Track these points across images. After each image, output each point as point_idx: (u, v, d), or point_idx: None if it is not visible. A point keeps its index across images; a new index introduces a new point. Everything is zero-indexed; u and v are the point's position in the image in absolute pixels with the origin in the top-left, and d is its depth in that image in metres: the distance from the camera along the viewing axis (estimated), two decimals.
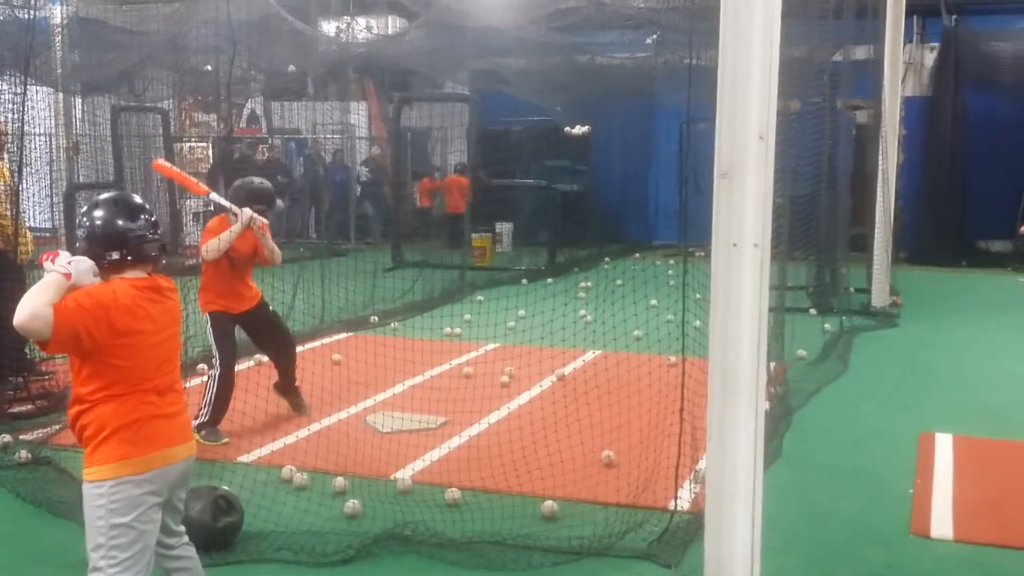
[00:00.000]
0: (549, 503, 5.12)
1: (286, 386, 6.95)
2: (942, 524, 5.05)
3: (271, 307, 7.07)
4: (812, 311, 11.23)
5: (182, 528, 3.59)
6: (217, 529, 4.59)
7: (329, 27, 15.62)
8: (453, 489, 5.32)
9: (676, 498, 5.02)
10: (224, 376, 6.39)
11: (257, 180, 6.88)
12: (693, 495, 5.08)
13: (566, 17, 12.04)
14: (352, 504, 5.16)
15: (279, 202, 9.39)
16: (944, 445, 6.38)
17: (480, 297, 12.31)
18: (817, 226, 11.89)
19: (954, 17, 17.18)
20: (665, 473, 5.12)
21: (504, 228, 17.77)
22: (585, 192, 18.14)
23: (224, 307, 6.49)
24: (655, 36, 13.91)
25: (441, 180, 18.87)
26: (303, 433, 6.55)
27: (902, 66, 17.91)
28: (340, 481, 5.50)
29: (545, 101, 16.81)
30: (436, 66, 16.81)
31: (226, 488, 4.91)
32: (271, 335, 6.87)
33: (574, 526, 4.92)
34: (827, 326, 10.30)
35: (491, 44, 14.70)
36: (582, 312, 10.82)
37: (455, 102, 17.66)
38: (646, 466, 5.44)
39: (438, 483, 5.52)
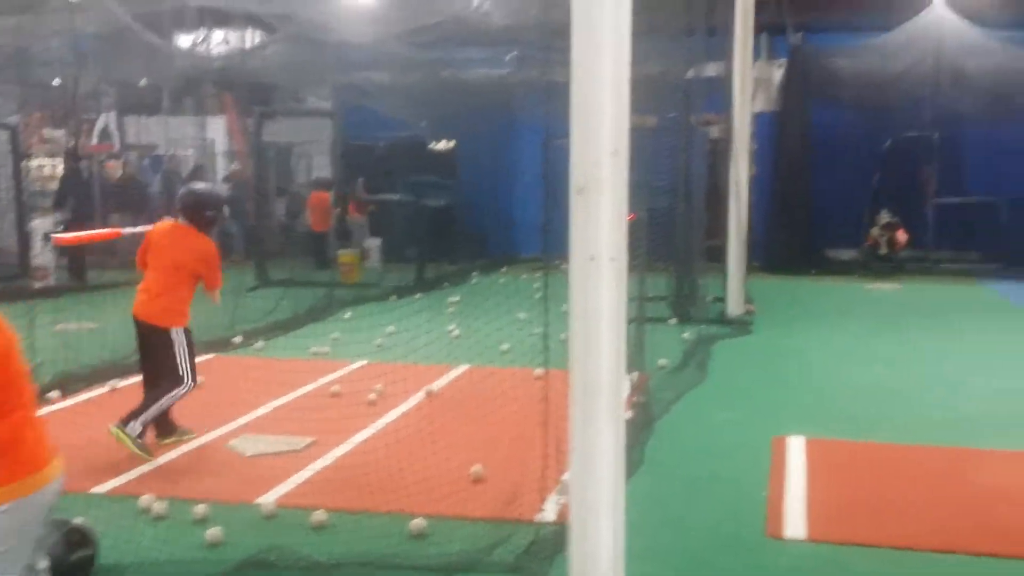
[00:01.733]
0: (417, 521, 5.10)
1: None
2: (796, 525, 5.25)
3: None
4: (672, 321, 11.56)
5: (44, 564, 3.39)
6: (70, 564, 4.39)
7: (184, 40, 15.23)
8: (319, 511, 5.24)
9: (542, 510, 5.08)
10: (187, 393, 6.44)
11: (202, 185, 6.82)
12: (559, 506, 5.15)
13: (428, 33, 12.07)
14: (214, 532, 5.02)
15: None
16: (797, 448, 6.64)
17: (348, 314, 12.19)
18: (675, 238, 12.25)
19: (800, 35, 17.99)
20: (531, 486, 5.17)
21: (372, 244, 17.66)
22: (452, 207, 18.19)
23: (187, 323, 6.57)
24: (515, 53, 14.10)
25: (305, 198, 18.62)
26: (162, 460, 6.34)
27: (752, 82, 18.66)
28: (201, 508, 5.34)
29: (410, 116, 16.81)
30: (298, 80, 16.59)
31: (80, 520, 4.71)
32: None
33: (442, 543, 4.91)
34: (686, 335, 10.61)
35: (354, 58, 14.61)
36: (451, 327, 10.84)
37: (318, 117, 17.46)
38: (513, 479, 5.49)
39: (304, 506, 5.43)
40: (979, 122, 16.93)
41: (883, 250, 17.05)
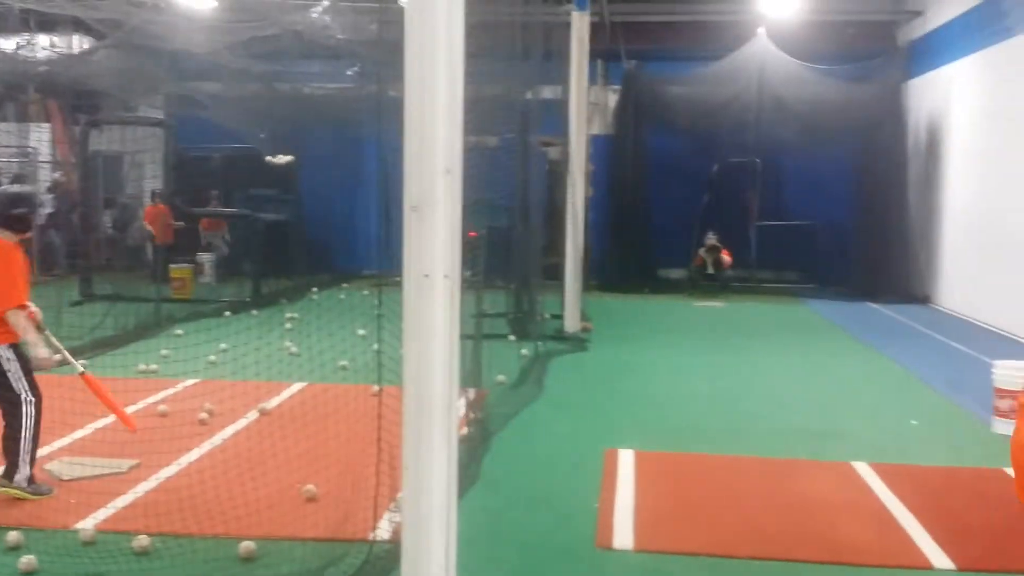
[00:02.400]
0: (246, 543, 4.97)
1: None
2: (624, 536, 5.40)
3: None
4: (511, 337, 11.70)
5: None
6: None
7: (6, 43, 14.42)
8: (142, 536, 5.04)
9: (377, 528, 5.05)
10: (39, 407, 5.85)
11: (16, 187, 6.26)
12: (394, 524, 5.13)
13: (264, 44, 11.86)
14: (28, 560, 4.76)
15: None
16: (627, 460, 6.84)
17: (179, 331, 11.79)
18: (514, 256, 12.44)
19: (634, 62, 18.62)
20: (366, 504, 5.13)
21: (206, 258, 17.14)
22: (291, 222, 17.88)
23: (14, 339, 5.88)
24: (356, 68, 14.03)
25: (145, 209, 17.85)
26: None
27: (588, 106, 19.17)
28: (14, 535, 5.06)
29: (247, 128, 16.44)
30: (128, 88, 15.96)
31: None
32: None
33: (273, 565, 4.82)
34: (524, 351, 10.76)
35: (187, 68, 14.20)
36: (287, 344, 10.65)
37: (149, 126, 16.85)
38: (347, 498, 5.43)
39: (126, 530, 5.21)
40: (797, 149, 17.93)
41: (710, 270, 17.79)
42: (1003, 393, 7.67)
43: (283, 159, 14.42)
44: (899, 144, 17.24)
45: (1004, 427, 7.67)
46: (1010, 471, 6.66)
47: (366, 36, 10.14)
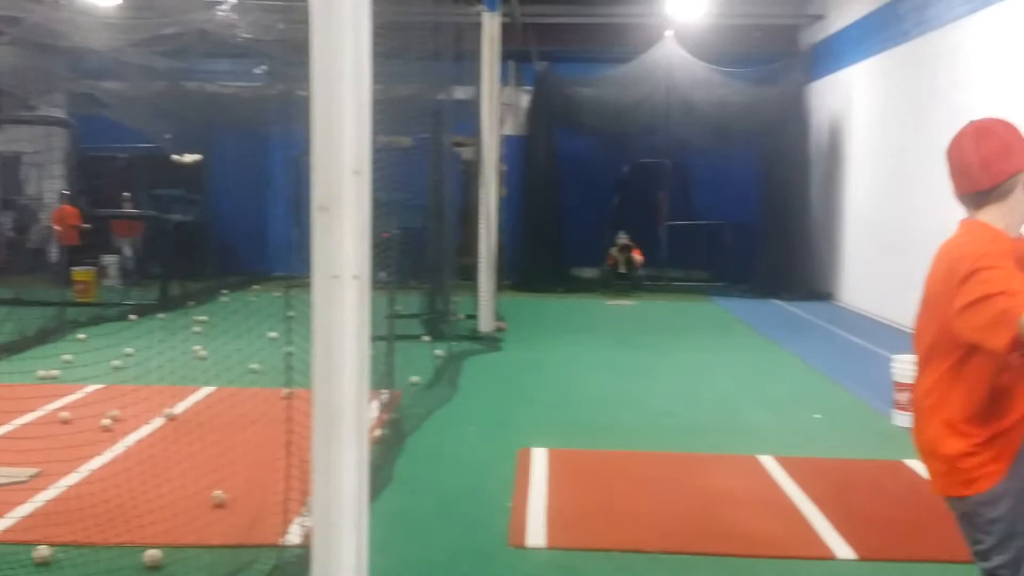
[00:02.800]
0: (152, 552, 4.86)
1: None
2: (536, 534, 5.44)
3: None
4: (425, 338, 11.69)
5: None
6: None
7: None
8: (43, 547, 4.89)
9: (287, 533, 4.99)
10: None
11: None
12: (304, 529, 5.07)
13: (169, 42, 11.59)
14: None
15: None
16: (540, 459, 6.89)
17: (82, 335, 11.47)
18: (429, 256, 12.42)
19: (545, 64, 18.75)
20: (276, 509, 5.06)
21: (111, 260, 16.70)
22: (200, 223, 17.54)
23: None
24: (265, 66, 13.84)
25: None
26: None
27: (501, 107, 19.22)
28: None
29: (152, 128, 16.07)
30: (27, 86, 15.44)
31: None
32: None
33: (179, 572, 4.73)
34: (438, 352, 10.75)
35: (89, 66, 13.80)
36: (196, 347, 10.44)
37: (50, 126, 16.34)
38: (256, 503, 5.36)
39: (26, 541, 5.05)
40: (705, 150, 18.28)
41: (622, 269, 17.99)
42: (901, 386, 7.94)
43: (189, 158, 14.14)
44: (802, 145, 17.71)
45: (903, 420, 7.96)
46: (909, 462, 6.92)
47: (274, 34, 10.01)
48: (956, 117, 13.47)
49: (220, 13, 10.22)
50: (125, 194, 16.87)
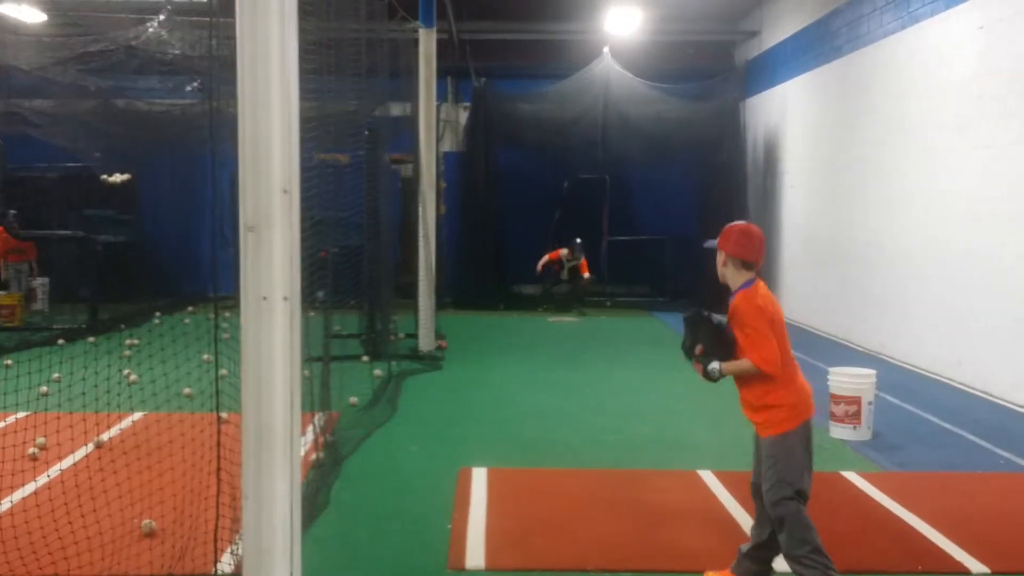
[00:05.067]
0: None
1: None
2: (476, 555, 5.36)
3: None
4: (364, 358, 11.55)
5: None
6: None
7: None
8: None
9: (219, 562, 4.85)
10: None
11: None
12: (237, 557, 4.94)
13: (96, 60, 11.35)
14: None
15: None
16: (480, 478, 6.81)
17: (7, 361, 11.12)
18: (368, 275, 12.28)
19: (483, 80, 18.75)
20: (207, 537, 4.92)
21: (38, 283, 16.25)
22: (132, 243, 17.18)
23: None
24: (197, 83, 13.63)
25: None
26: None
27: (440, 123, 19.18)
28: None
29: (82, 147, 15.71)
30: None
31: None
32: None
33: None
34: (378, 372, 10.63)
35: (13, 84, 13.46)
36: (127, 372, 10.19)
37: None
38: (188, 532, 5.21)
39: None
40: (644, 165, 18.42)
41: (564, 275, 17.88)
42: (838, 399, 8.03)
43: (119, 178, 13.83)
44: (739, 160, 17.94)
45: (839, 431, 8.04)
46: (846, 474, 6.98)
47: (204, 51, 9.84)
48: (887, 132, 13.78)
49: (150, 30, 10.03)
50: (9, 212, 16.10)
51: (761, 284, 4.74)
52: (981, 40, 10.23)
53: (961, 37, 10.65)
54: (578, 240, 17.69)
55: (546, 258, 17.84)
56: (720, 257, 4.76)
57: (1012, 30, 9.62)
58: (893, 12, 12.38)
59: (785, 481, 4.59)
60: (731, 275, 4.74)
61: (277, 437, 4.02)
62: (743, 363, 4.66)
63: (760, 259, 4.73)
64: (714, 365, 4.74)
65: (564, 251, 17.78)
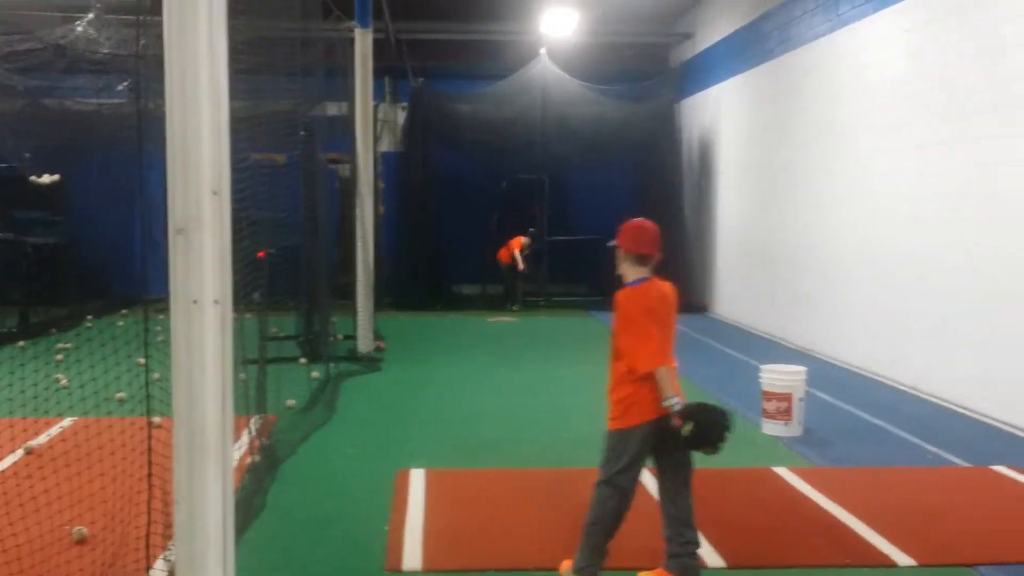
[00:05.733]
0: None
1: None
2: (413, 557, 5.36)
3: None
4: (302, 360, 11.45)
5: None
6: None
7: None
8: None
9: (152, 568, 4.78)
10: None
11: None
12: (169, 563, 4.87)
13: (24, 58, 11.09)
14: None
15: None
16: (418, 480, 6.81)
17: None
18: (305, 276, 12.18)
19: (420, 80, 18.71)
20: (138, 543, 4.85)
21: None
22: (62, 246, 16.81)
23: None
24: (127, 83, 13.39)
25: None
26: None
27: (379, 123, 19.10)
28: None
29: (9, 147, 15.33)
30: None
31: None
32: None
33: None
34: (315, 374, 10.55)
35: None
36: (58, 376, 9.99)
37: None
38: (120, 538, 5.12)
39: None
40: (582, 166, 18.53)
41: (521, 266, 17.92)
42: (769, 395, 8.17)
43: (48, 179, 13.51)
44: (674, 161, 18.14)
45: (771, 428, 8.18)
46: (778, 469, 7.11)
47: (135, 50, 9.70)
48: (818, 133, 14.02)
49: (78, 28, 9.83)
50: None
51: (655, 283, 4.89)
52: (908, 42, 10.48)
53: (889, 39, 10.91)
54: (531, 229, 17.81)
55: (515, 251, 17.87)
56: (619, 253, 4.93)
57: (938, 32, 9.88)
58: (823, 15, 12.63)
59: (610, 470, 4.89)
60: (627, 270, 4.90)
61: (209, 441, 3.98)
62: (660, 375, 4.81)
63: (654, 252, 4.88)
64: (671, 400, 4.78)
65: (525, 239, 17.82)
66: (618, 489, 4.83)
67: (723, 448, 4.82)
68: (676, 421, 4.72)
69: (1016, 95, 8.51)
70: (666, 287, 4.95)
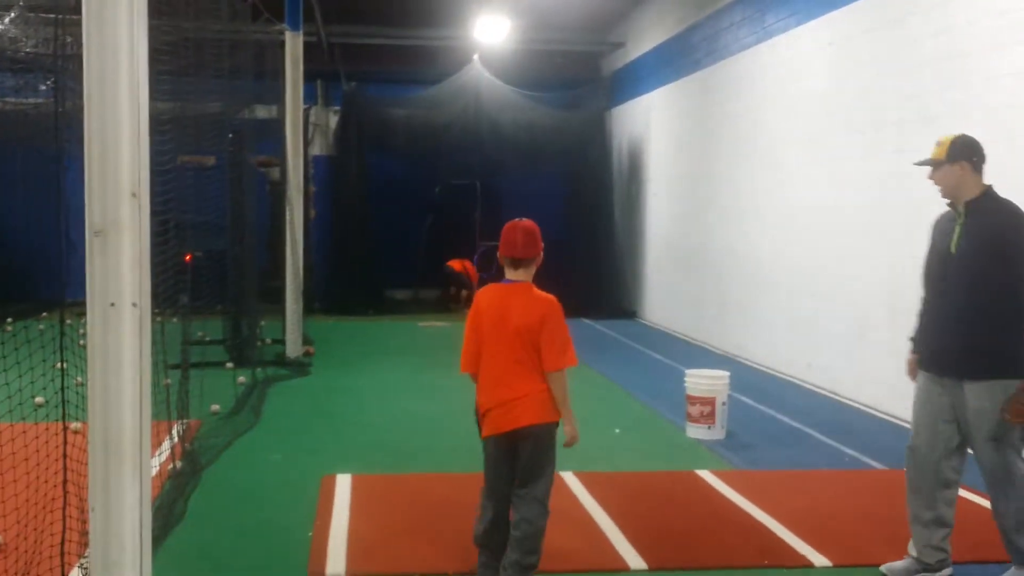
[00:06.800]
0: None
1: None
2: (336, 562, 5.34)
3: None
4: (229, 364, 11.32)
5: None
6: None
7: None
8: None
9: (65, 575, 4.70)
10: None
11: None
12: (84, 571, 4.78)
13: None
14: None
15: None
16: (344, 485, 6.78)
17: None
18: (232, 279, 12.05)
19: (353, 84, 18.62)
20: (53, 551, 4.76)
21: None
22: None
23: None
24: (51, 82, 13.09)
25: None
26: None
27: (310, 127, 18.95)
28: None
29: None
30: None
31: None
32: None
33: None
34: (242, 379, 10.44)
35: None
36: None
37: None
38: (34, 547, 5.02)
39: None
40: (514, 172, 18.63)
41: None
42: (693, 399, 8.31)
43: None
44: (605, 168, 18.33)
45: (695, 431, 8.32)
46: (701, 472, 7.23)
47: (58, 48, 9.48)
48: (742, 143, 14.25)
49: (0, 26, 9.61)
50: None
51: (496, 288, 4.79)
52: (831, 56, 10.75)
53: (812, 53, 11.17)
54: (482, 247, 17.93)
55: (470, 271, 17.96)
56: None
57: (859, 47, 10.15)
58: (749, 27, 12.88)
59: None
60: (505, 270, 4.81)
61: (126, 446, 3.93)
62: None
63: (517, 254, 4.68)
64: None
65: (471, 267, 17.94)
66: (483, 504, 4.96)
67: None
68: None
69: (932, 109, 8.78)
70: (520, 294, 4.70)
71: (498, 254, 4.80)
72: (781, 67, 11.96)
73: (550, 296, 4.78)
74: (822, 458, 7.92)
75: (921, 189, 9.04)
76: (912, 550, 5.13)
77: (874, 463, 7.71)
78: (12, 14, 9.36)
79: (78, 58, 4.07)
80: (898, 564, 5.19)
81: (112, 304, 3.90)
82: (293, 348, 12.58)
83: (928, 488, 5.04)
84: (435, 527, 5.97)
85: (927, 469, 5.04)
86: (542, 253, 4.79)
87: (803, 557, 5.54)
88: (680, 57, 15.57)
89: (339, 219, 18.33)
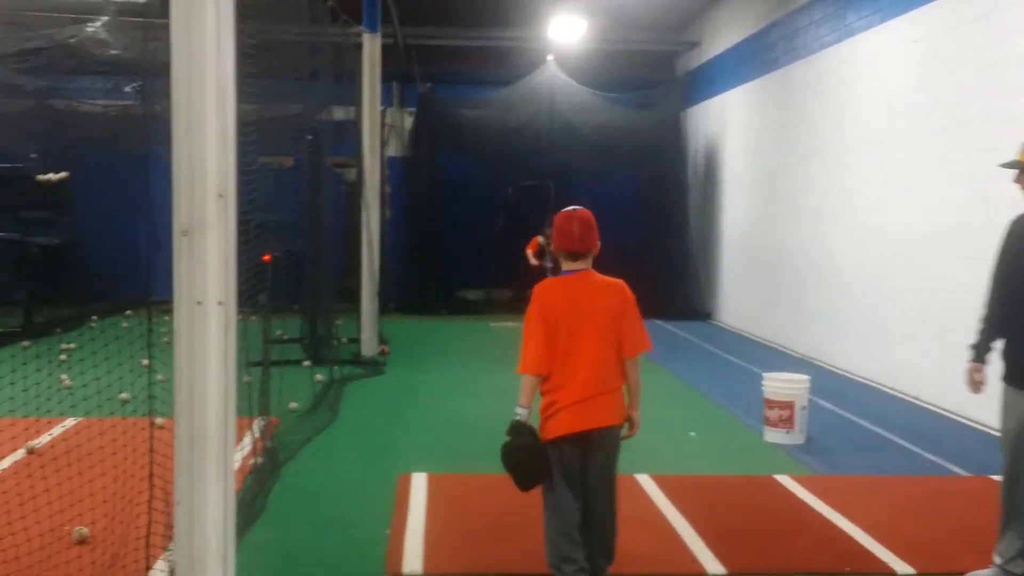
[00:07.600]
0: None
1: None
2: (413, 561, 5.38)
3: None
4: (306, 363, 11.48)
5: None
6: None
7: None
8: None
9: (152, 569, 4.81)
10: None
11: None
12: (169, 564, 4.89)
13: (32, 58, 11.14)
14: None
15: None
16: (419, 485, 6.82)
17: None
18: (311, 279, 12.22)
19: (428, 85, 18.75)
20: (138, 544, 4.87)
21: None
22: (68, 246, 16.87)
23: None
24: (136, 84, 13.45)
25: None
26: None
27: (386, 128, 19.13)
28: None
29: (17, 147, 15.39)
30: None
31: None
32: None
33: None
34: (319, 377, 10.58)
35: None
36: (62, 376, 10.02)
37: None
38: (121, 539, 5.15)
39: None
40: (588, 173, 18.53)
41: (548, 263, 17.83)
42: (771, 403, 8.18)
43: (56, 177, 13.55)
44: (680, 169, 18.15)
45: (773, 436, 8.19)
46: (779, 477, 7.11)
47: (145, 52, 9.74)
48: (820, 143, 14.00)
49: (88, 29, 9.87)
50: None
51: (568, 279, 4.53)
52: (913, 54, 10.49)
53: (894, 51, 10.92)
54: (547, 230, 17.69)
55: (530, 252, 17.74)
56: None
57: (942, 45, 9.89)
58: (829, 25, 12.64)
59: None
60: (562, 263, 4.63)
61: (210, 442, 4.01)
62: (523, 382, 4.71)
63: (576, 247, 4.51)
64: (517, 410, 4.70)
65: (540, 238, 17.71)
66: (553, 506, 4.63)
67: (523, 487, 4.71)
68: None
69: (1018, 107, 8.52)
70: (589, 283, 4.54)
71: (552, 247, 4.60)
72: (862, 65, 11.71)
73: (618, 279, 4.65)
74: (903, 464, 7.73)
75: (1007, 189, 8.81)
76: (997, 559, 4.98)
77: (957, 469, 7.50)
78: (104, 18, 9.63)
79: (166, 62, 4.17)
80: (983, 573, 5.04)
81: (198, 302, 3.98)
82: (368, 347, 12.72)
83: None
84: (511, 528, 5.96)
85: None
86: (599, 243, 4.60)
87: (885, 564, 5.42)
88: (757, 56, 15.35)
89: (413, 219, 18.50)
